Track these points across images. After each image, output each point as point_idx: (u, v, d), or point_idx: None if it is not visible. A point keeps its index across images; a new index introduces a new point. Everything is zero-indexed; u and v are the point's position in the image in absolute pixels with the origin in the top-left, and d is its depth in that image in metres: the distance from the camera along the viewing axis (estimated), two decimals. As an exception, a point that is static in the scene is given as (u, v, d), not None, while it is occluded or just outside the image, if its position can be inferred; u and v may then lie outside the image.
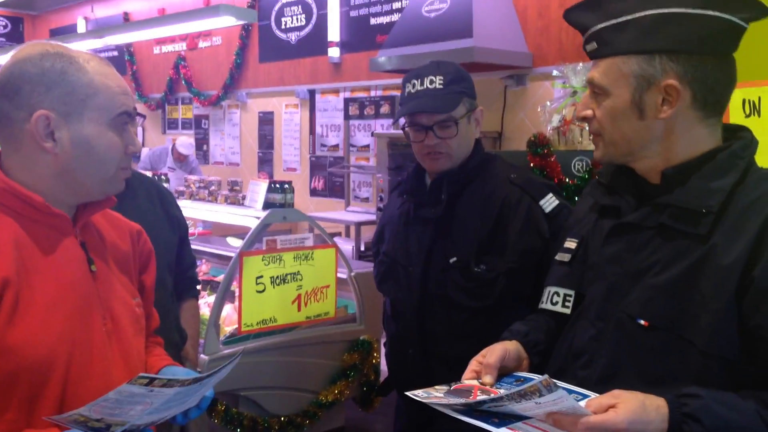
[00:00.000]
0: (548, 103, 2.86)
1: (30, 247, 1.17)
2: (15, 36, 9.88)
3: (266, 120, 6.73)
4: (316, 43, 6.09)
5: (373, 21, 5.66)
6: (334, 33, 5.90)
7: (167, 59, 7.79)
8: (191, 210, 3.73)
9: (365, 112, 5.62)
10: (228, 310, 3.50)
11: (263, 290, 3.23)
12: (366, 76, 5.66)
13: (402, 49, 4.65)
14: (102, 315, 1.24)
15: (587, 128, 1.32)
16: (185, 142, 6.54)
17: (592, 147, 2.78)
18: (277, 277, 3.25)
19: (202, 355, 3.13)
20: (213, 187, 3.62)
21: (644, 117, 1.20)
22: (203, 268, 4.25)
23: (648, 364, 1.16)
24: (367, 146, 5.72)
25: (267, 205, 3.33)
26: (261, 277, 3.21)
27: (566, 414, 1.02)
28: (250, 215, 3.34)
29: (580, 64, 2.81)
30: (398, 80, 5.55)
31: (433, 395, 1.13)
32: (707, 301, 1.12)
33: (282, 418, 3.35)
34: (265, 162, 6.76)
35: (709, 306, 1.11)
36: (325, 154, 6.13)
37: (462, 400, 1.08)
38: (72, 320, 1.18)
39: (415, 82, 1.90)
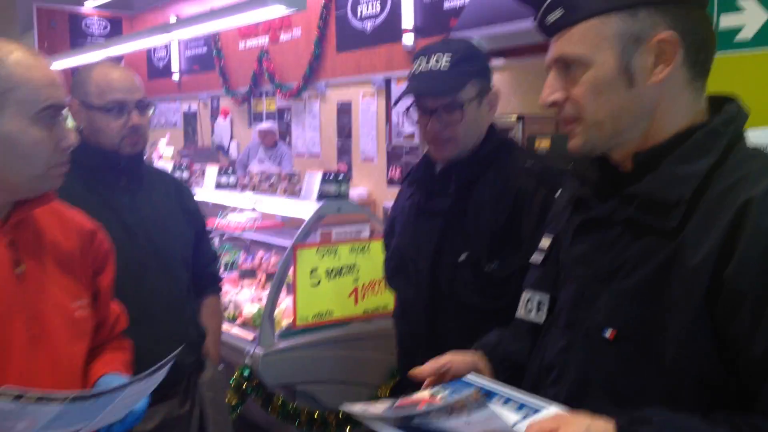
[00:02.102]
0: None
1: None
2: (115, 36, 10.34)
3: (344, 110, 6.70)
4: (390, 30, 5.99)
5: (447, 5, 5.49)
6: (408, 19, 5.77)
7: (251, 53, 7.91)
8: (252, 202, 3.74)
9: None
10: (288, 302, 3.48)
11: (318, 283, 3.18)
12: (441, 61, 5.51)
13: (472, 32, 4.47)
14: (26, 318, 1.19)
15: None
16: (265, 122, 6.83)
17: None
18: (333, 269, 3.20)
19: (257, 350, 3.12)
20: (273, 179, 3.60)
21: (634, 84, 1.03)
22: (272, 260, 4.27)
23: (617, 381, 1.00)
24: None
25: (322, 196, 3.28)
26: (315, 269, 3.16)
27: None
28: (305, 207, 3.30)
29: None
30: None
31: (370, 411, 1.01)
32: (675, 308, 0.95)
33: (340, 413, 3.30)
34: (344, 152, 6.74)
35: (677, 314, 0.95)
36: (401, 144, 6.03)
37: (399, 415, 0.96)
38: None
39: (422, 60, 1.76)
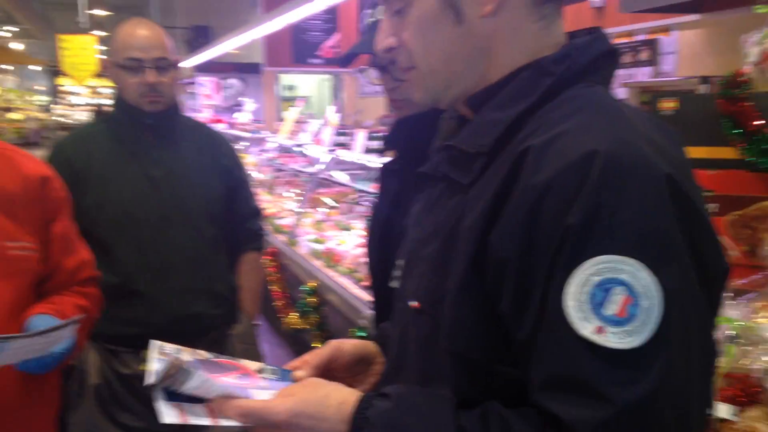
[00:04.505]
0: (754, 34, 2.20)
1: None
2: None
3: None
4: (579, -13, 5.57)
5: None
6: (598, -26, 5.34)
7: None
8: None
9: (623, 60, 5.00)
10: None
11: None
12: (630, 19, 5.02)
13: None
14: None
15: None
16: None
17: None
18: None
19: (372, 311, 3.13)
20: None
21: (462, 19, 0.84)
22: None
23: (422, 357, 0.89)
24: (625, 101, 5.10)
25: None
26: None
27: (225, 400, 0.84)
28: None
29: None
30: (663, 21, 4.82)
31: (174, 357, 0.90)
32: (450, 278, 0.81)
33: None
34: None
35: (450, 286, 0.81)
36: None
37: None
38: None
39: (373, 11, 1.60)
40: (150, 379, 0.85)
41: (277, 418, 0.81)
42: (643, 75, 4.91)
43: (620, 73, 5.15)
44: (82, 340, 1.44)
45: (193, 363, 0.89)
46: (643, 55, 4.85)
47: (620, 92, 5.05)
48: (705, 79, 3.75)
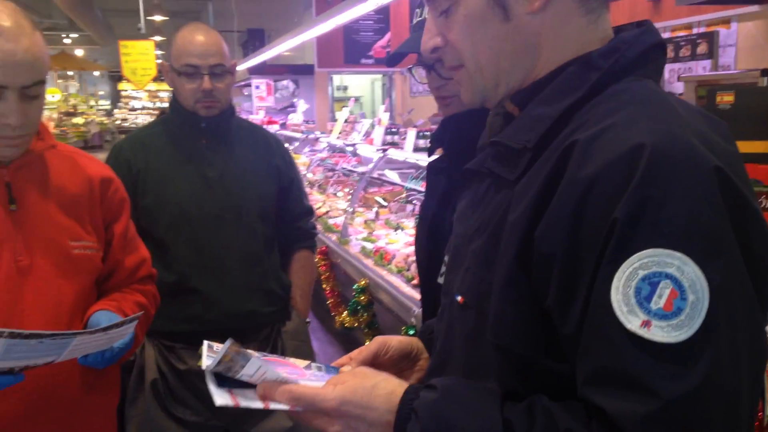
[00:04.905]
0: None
1: None
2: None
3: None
4: (634, -20, 5.45)
5: (697, -54, 4.83)
6: (653, -34, 5.21)
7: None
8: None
9: (680, 54, 4.88)
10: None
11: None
12: (687, 12, 4.89)
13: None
14: (15, 249, 1.31)
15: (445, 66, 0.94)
16: None
17: None
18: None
19: (421, 310, 3.13)
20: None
21: (510, 16, 0.84)
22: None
23: (468, 351, 0.89)
24: (681, 95, 4.97)
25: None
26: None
27: (276, 385, 0.87)
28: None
29: None
30: (722, 13, 4.68)
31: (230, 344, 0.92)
32: (496, 273, 0.81)
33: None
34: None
35: (496, 279, 0.81)
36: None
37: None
38: None
39: (418, 11, 1.56)
40: (206, 363, 0.87)
41: (327, 405, 0.83)
42: (702, 69, 4.77)
43: (678, 67, 5.04)
44: (140, 335, 1.48)
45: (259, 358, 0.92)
46: (701, 48, 4.72)
47: (677, 86, 4.92)
48: (765, 72, 3.64)
